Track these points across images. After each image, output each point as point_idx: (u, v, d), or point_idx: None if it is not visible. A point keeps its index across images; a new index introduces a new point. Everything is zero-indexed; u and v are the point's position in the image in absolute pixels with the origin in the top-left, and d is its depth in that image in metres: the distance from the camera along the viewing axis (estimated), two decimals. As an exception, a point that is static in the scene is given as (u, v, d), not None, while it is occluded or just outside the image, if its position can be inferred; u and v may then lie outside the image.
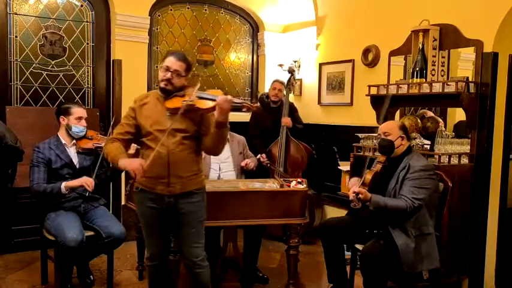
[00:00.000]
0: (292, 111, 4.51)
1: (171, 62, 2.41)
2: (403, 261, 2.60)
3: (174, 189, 2.43)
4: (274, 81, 4.47)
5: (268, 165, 4.12)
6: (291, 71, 4.53)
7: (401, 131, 2.85)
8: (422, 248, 2.66)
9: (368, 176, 2.75)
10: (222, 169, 3.61)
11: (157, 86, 2.53)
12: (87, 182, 2.96)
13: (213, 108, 2.32)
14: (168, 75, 2.40)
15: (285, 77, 4.63)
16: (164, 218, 2.50)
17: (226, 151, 3.64)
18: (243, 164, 3.62)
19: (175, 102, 2.39)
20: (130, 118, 2.49)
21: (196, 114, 2.42)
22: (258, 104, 2.37)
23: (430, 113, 3.71)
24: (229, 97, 2.31)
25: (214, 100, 2.31)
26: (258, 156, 3.98)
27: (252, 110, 2.49)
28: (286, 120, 4.34)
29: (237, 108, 2.51)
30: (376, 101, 3.67)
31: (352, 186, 2.83)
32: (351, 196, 2.64)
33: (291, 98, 4.99)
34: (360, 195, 2.61)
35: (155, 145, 2.37)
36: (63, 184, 2.97)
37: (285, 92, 4.46)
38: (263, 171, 4.13)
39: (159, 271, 2.61)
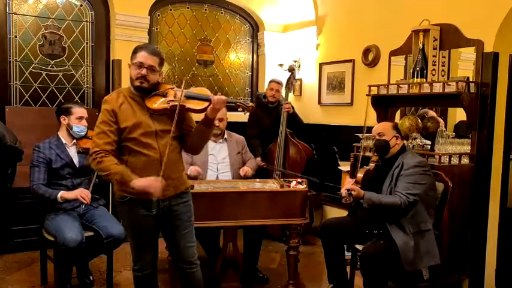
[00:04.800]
0: (292, 113, 4.48)
1: (145, 57, 2.25)
2: (403, 260, 2.60)
3: (169, 192, 2.31)
4: (271, 81, 4.40)
5: (266, 166, 4.12)
6: (291, 70, 4.50)
7: (395, 131, 2.89)
8: (422, 245, 2.66)
9: (359, 174, 2.80)
10: (219, 170, 3.59)
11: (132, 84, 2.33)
12: (83, 194, 2.97)
13: (206, 109, 2.25)
14: (144, 71, 2.24)
15: (285, 76, 4.62)
16: (158, 223, 2.38)
17: (224, 151, 3.62)
18: (242, 173, 3.59)
19: (159, 103, 2.26)
20: (111, 123, 2.24)
21: (182, 113, 2.32)
22: (253, 104, 2.43)
23: (431, 113, 3.70)
24: (223, 97, 2.27)
25: (206, 100, 2.25)
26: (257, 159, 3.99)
27: (248, 110, 2.41)
28: (287, 106, 4.28)
29: (234, 108, 2.48)
30: (377, 101, 3.68)
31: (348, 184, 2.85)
32: (343, 192, 2.69)
33: (291, 98, 4.99)
34: (353, 192, 2.65)
35: (145, 149, 2.25)
36: (60, 194, 2.98)
37: (283, 93, 4.42)
38: (262, 171, 4.13)
39: (151, 278, 2.47)
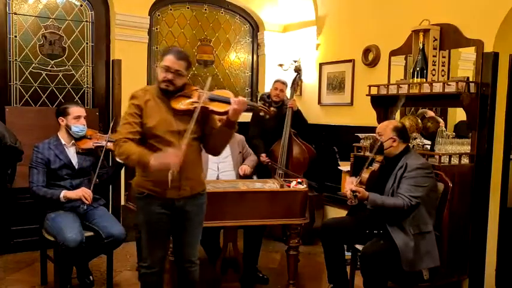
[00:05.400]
0: (296, 111, 4.48)
1: (172, 61, 2.28)
2: (403, 261, 2.60)
3: (185, 192, 2.35)
4: (276, 81, 4.41)
5: (270, 163, 4.13)
6: (297, 70, 4.49)
7: (394, 133, 2.82)
8: (422, 247, 2.66)
9: (365, 174, 2.77)
10: (220, 169, 3.61)
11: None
12: (85, 194, 2.96)
13: (227, 111, 2.29)
14: (170, 76, 2.28)
15: (285, 76, 4.62)
16: (171, 222, 2.41)
17: (226, 150, 3.64)
18: (241, 172, 3.62)
19: (183, 104, 2.31)
20: (137, 116, 2.29)
21: (205, 115, 2.36)
22: (274, 108, 2.61)
23: (430, 113, 3.71)
24: (245, 99, 2.31)
25: (228, 103, 2.29)
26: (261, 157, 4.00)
27: (269, 114, 2.47)
28: (293, 103, 4.30)
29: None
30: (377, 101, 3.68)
31: (348, 185, 2.84)
32: (348, 193, 2.66)
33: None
34: (357, 194, 2.63)
35: (166, 147, 2.26)
36: (62, 193, 2.98)
37: (287, 93, 4.41)
38: (264, 171, 4.13)
39: (158, 277, 2.48)
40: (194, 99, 2.31)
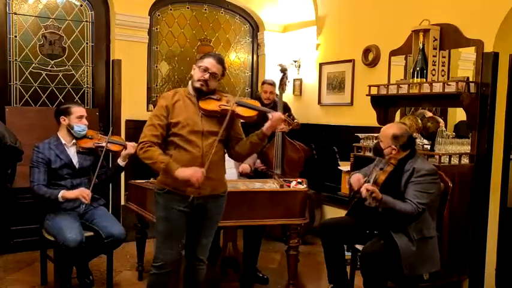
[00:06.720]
0: (287, 111, 4.44)
1: (211, 63, 2.40)
2: (404, 263, 2.58)
3: (205, 191, 2.40)
4: (264, 82, 4.31)
5: (264, 170, 4.09)
6: (283, 71, 4.45)
7: (393, 141, 2.72)
8: (424, 252, 2.64)
9: (382, 176, 2.69)
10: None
11: (192, 84, 2.46)
12: (84, 194, 2.95)
13: (253, 117, 2.41)
14: (207, 76, 2.39)
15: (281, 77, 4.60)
16: (189, 220, 2.45)
17: None
18: (240, 169, 3.63)
19: (211, 105, 2.41)
20: (163, 118, 2.38)
21: (231, 120, 2.43)
22: (298, 121, 2.68)
23: (429, 113, 3.71)
24: (281, 115, 2.42)
25: (254, 109, 2.43)
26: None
27: (294, 128, 2.56)
28: (284, 128, 4.18)
29: None
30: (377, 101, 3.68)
31: (356, 181, 2.78)
32: (364, 193, 2.56)
33: (291, 97, 5.00)
34: (374, 194, 2.56)
35: (189, 146, 2.36)
36: (61, 194, 2.97)
37: (278, 93, 4.37)
38: (261, 173, 4.11)
39: (168, 278, 2.49)
40: (223, 102, 2.42)
